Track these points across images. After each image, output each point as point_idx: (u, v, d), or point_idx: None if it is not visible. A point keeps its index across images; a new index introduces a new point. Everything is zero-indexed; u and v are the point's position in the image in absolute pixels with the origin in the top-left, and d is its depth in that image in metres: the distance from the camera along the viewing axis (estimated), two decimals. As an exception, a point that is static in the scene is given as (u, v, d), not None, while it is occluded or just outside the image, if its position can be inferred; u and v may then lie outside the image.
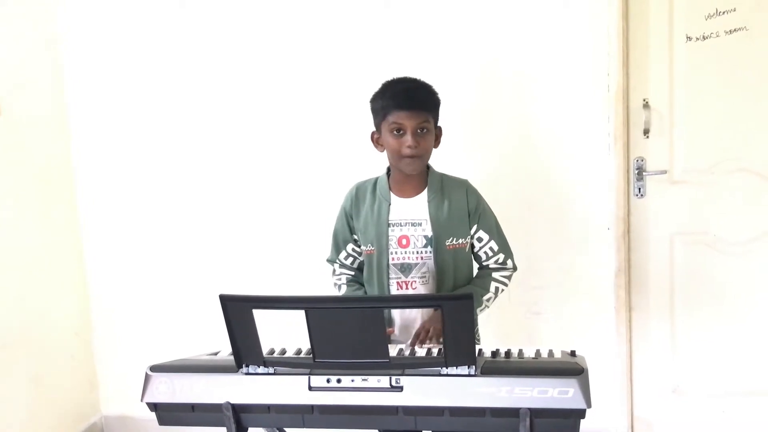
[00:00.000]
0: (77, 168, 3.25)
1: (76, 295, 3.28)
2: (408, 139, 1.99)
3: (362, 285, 2.23)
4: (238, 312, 1.56)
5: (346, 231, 2.21)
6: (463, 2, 2.81)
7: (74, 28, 3.18)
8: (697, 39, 2.69)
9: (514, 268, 2.21)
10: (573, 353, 1.68)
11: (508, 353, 1.69)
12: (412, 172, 2.08)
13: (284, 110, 3.02)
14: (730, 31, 2.66)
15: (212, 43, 3.06)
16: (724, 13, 2.65)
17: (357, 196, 2.19)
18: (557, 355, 1.68)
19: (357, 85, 2.84)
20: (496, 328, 2.71)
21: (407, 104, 2.00)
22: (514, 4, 2.77)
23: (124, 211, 3.24)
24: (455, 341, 1.51)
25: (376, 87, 2.12)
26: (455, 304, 1.51)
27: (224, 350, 1.85)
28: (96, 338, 3.35)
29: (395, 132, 2.02)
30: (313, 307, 1.52)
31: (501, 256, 2.17)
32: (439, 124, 2.12)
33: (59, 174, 3.19)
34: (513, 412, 1.49)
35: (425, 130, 2.02)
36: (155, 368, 1.69)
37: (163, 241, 3.22)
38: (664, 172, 2.78)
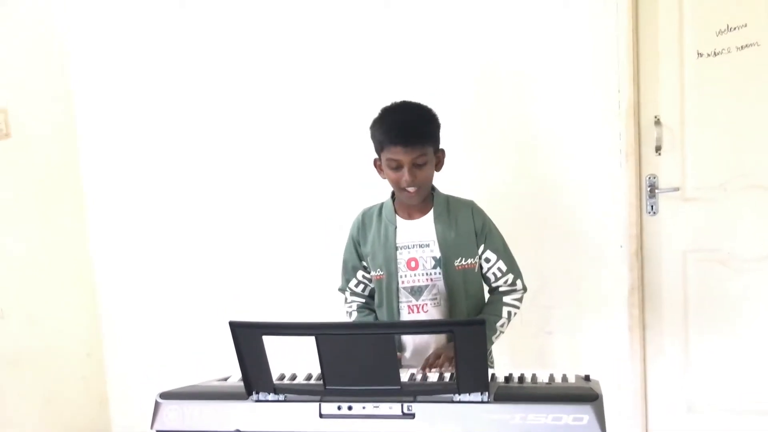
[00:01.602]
0: (87, 189, 3.27)
1: (88, 315, 3.29)
2: (405, 174, 1.97)
3: (373, 311, 2.22)
4: (248, 338, 1.54)
5: (355, 258, 2.20)
6: (466, 10, 2.83)
7: (80, 35, 3.24)
8: (708, 55, 2.68)
9: (525, 289, 2.19)
10: (587, 377, 1.65)
11: (521, 378, 1.67)
12: (413, 203, 2.08)
13: (289, 115, 3.05)
14: (742, 47, 2.64)
15: (215, 46, 3.09)
16: (735, 29, 2.64)
17: (363, 222, 2.18)
18: (571, 379, 1.65)
19: (357, 85, 2.92)
20: (508, 348, 2.69)
21: (402, 140, 1.96)
22: (523, 19, 2.77)
23: (134, 231, 3.26)
24: (468, 367, 1.49)
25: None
26: (467, 330, 1.48)
27: (234, 375, 1.83)
28: (107, 359, 3.35)
29: (393, 167, 2.00)
30: (323, 333, 1.50)
31: (510, 277, 2.15)
32: (441, 147, 2.09)
33: (69, 195, 3.23)
34: (527, 440, 1.46)
35: (423, 163, 1.99)
36: (165, 395, 1.68)
37: (175, 263, 3.23)
38: (677, 189, 2.76)
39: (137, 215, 3.25)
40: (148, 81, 3.18)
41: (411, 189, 2.00)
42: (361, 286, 2.23)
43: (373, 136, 2.07)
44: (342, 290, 2.28)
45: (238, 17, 3.04)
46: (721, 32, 2.66)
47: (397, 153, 1.96)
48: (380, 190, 2.19)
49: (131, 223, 3.26)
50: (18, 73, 2.97)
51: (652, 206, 2.79)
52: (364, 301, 2.24)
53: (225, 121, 3.12)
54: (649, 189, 2.78)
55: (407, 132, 1.97)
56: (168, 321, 3.26)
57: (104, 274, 3.32)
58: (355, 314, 2.23)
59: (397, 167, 1.99)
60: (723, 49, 2.66)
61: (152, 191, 3.22)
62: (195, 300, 3.22)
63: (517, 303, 2.16)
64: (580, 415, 1.45)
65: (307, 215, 3.07)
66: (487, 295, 2.21)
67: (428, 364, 1.95)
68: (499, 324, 2.10)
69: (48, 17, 3.14)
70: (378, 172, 2.11)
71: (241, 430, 1.59)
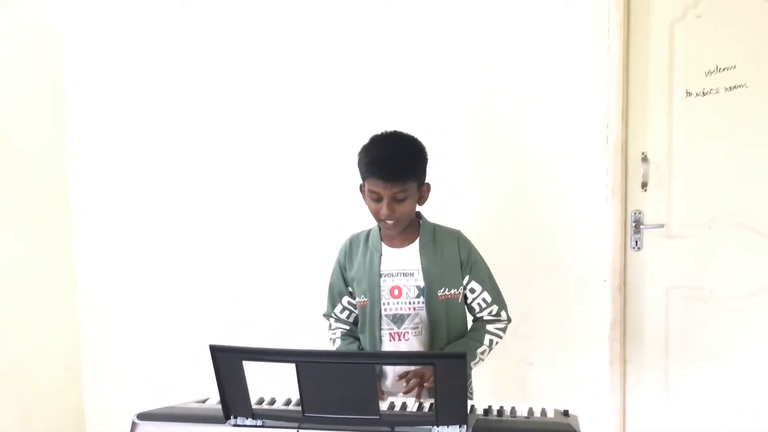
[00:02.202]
0: (73, 204, 3.26)
1: (68, 328, 3.27)
2: (383, 206, 1.97)
3: (357, 339, 2.22)
4: (228, 363, 1.54)
5: (341, 284, 2.20)
6: (461, 22, 2.85)
7: (72, 48, 3.23)
8: (697, 95, 2.70)
9: (509, 320, 2.19)
10: (566, 413, 1.65)
11: (500, 411, 1.67)
12: (391, 235, 2.08)
13: (287, 116, 3.05)
14: (730, 87, 2.66)
15: (213, 48, 3.10)
16: (724, 69, 2.66)
17: (351, 247, 2.18)
18: (550, 414, 1.65)
19: (356, 86, 2.94)
20: (489, 377, 2.69)
21: (383, 174, 1.96)
22: (515, 52, 2.80)
23: (118, 246, 3.25)
24: (447, 399, 1.49)
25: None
26: (448, 363, 1.49)
27: (213, 397, 1.83)
28: (85, 373, 3.32)
29: (374, 199, 2.00)
30: (303, 360, 1.50)
31: (495, 308, 2.15)
32: (426, 181, 2.09)
33: (55, 209, 3.22)
34: (504, 475, 1.46)
35: (403, 199, 1.99)
36: (142, 416, 1.66)
37: (156, 280, 3.22)
38: (662, 225, 2.78)
39: (121, 232, 3.24)
40: (138, 91, 3.18)
41: (389, 222, 2.00)
42: (346, 313, 2.23)
43: (358, 163, 2.06)
44: (327, 316, 2.27)
45: (236, 18, 3.06)
46: (710, 72, 2.68)
47: (378, 186, 1.97)
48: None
49: (115, 237, 3.25)
50: (8, 85, 2.96)
51: (636, 242, 2.80)
52: (348, 328, 2.24)
53: (221, 125, 3.12)
54: (634, 224, 2.80)
55: (389, 167, 1.96)
56: (147, 337, 3.25)
57: (86, 288, 3.30)
58: (338, 341, 2.22)
59: (378, 199, 1.99)
60: (711, 89, 2.69)
61: (138, 209, 3.22)
62: (176, 318, 3.22)
63: (500, 333, 2.16)
64: (558, 453, 1.45)
65: (304, 216, 3.07)
66: (470, 325, 2.21)
67: (406, 379, 1.95)
68: (479, 351, 2.10)
69: (41, 30, 3.14)
70: (362, 197, 2.11)
71: (218, 454, 1.58)
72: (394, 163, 1.97)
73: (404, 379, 1.97)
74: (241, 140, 3.10)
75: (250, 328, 3.10)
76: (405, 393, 1.92)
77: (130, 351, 3.27)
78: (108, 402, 3.29)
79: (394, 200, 1.97)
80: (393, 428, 1.52)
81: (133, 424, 1.65)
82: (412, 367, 2.00)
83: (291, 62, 3.01)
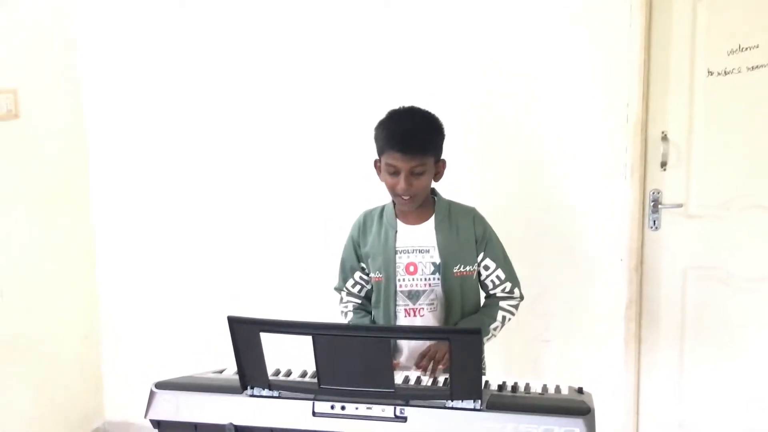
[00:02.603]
0: (93, 174, 3.29)
1: (86, 298, 3.31)
2: (401, 181, 1.97)
3: (369, 312, 2.23)
4: (246, 334, 1.56)
5: (354, 259, 2.21)
6: (470, 12, 2.84)
7: (89, 18, 3.25)
8: (719, 74, 2.68)
9: (521, 297, 2.20)
10: (580, 390, 1.66)
11: (514, 387, 1.68)
12: (407, 210, 2.08)
13: (289, 115, 3.07)
14: (752, 67, 2.64)
15: (213, 47, 3.12)
16: (746, 49, 2.64)
17: (365, 224, 2.18)
18: (564, 391, 1.66)
19: (357, 85, 2.94)
20: (503, 354, 2.71)
21: (402, 147, 1.95)
22: (536, 30, 2.78)
23: (136, 218, 3.28)
24: (461, 374, 1.50)
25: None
26: (463, 338, 1.50)
27: (230, 368, 1.85)
28: (104, 342, 3.38)
29: (390, 172, 2.00)
30: (320, 333, 1.51)
31: (508, 285, 2.16)
32: (443, 158, 2.08)
33: (75, 180, 3.24)
34: (517, 449, 1.47)
35: (420, 173, 1.98)
36: (160, 385, 1.69)
37: (175, 251, 3.26)
38: (680, 205, 2.77)
39: (141, 205, 3.27)
40: (156, 73, 3.21)
41: (405, 197, 2.00)
42: (358, 287, 2.24)
43: (376, 137, 2.06)
44: (338, 289, 2.28)
45: (239, 18, 3.07)
46: (732, 52, 2.66)
47: (396, 159, 1.96)
48: (380, 190, 2.17)
49: (135, 211, 3.29)
50: (28, 54, 2.97)
51: (654, 221, 2.80)
52: (360, 302, 2.25)
53: (227, 120, 3.15)
54: (652, 204, 2.79)
55: (408, 140, 1.96)
56: (166, 308, 3.29)
57: (105, 259, 3.35)
58: (350, 314, 2.24)
59: (395, 173, 1.99)
60: (733, 69, 2.66)
61: (157, 183, 3.25)
62: (194, 289, 3.25)
63: (512, 309, 2.17)
64: (572, 428, 1.46)
65: (307, 214, 3.09)
66: (483, 301, 2.22)
67: (421, 365, 1.96)
68: (492, 326, 2.11)
69: (60, 16, 3.15)
70: (377, 173, 2.10)
71: (235, 423, 1.60)
72: (414, 137, 1.97)
73: (421, 361, 1.97)
74: (248, 138, 3.13)
75: (265, 300, 3.14)
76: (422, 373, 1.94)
77: (147, 320, 3.31)
78: (126, 370, 3.35)
79: (412, 174, 1.97)
80: (408, 401, 1.53)
81: (152, 393, 1.68)
82: (428, 343, 2.02)
83: (291, 62, 3.02)
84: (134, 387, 3.30)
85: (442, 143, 2.07)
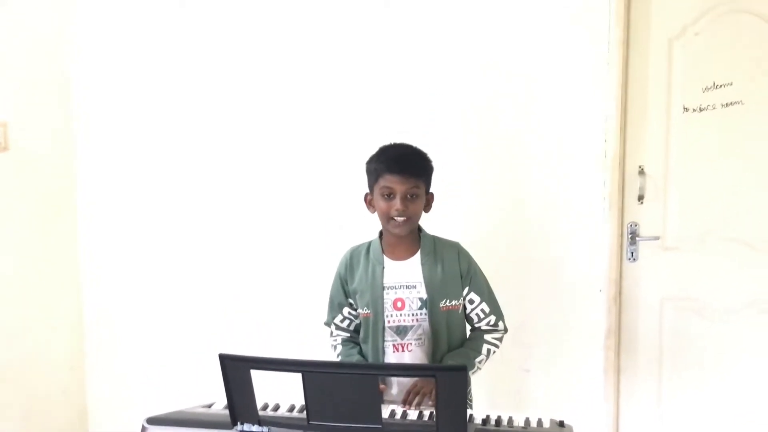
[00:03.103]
0: (80, 206, 3.31)
1: (72, 330, 3.32)
2: (397, 202, 2.04)
3: (357, 344, 2.27)
4: (237, 371, 1.59)
5: (342, 296, 2.25)
6: (460, 25, 2.90)
7: (80, 48, 3.28)
8: (694, 110, 2.76)
9: (505, 330, 2.25)
10: (562, 423, 1.71)
11: (498, 421, 1.72)
12: (399, 234, 2.12)
13: (285, 115, 3.10)
14: (727, 104, 2.72)
15: (214, 47, 3.15)
16: (721, 86, 2.72)
17: (351, 260, 2.23)
18: (546, 424, 1.71)
19: (355, 86, 2.99)
20: (488, 385, 2.74)
21: (398, 169, 2.05)
22: (517, 70, 2.85)
23: (122, 246, 3.30)
24: (447, 410, 1.54)
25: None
26: (450, 375, 1.54)
27: (218, 402, 1.88)
28: (89, 372, 3.38)
29: (386, 195, 2.07)
30: (310, 371, 1.55)
31: (492, 318, 2.21)
32: (431, 191, 2.16)
33: (63, 211, 3.26)
34: (501, 485, 1.52)
35: (415, 196, 2.07)
36: (152, 420, 1.72)
37: (159, 281, 3.27)
38: (657, 238, 2.84)
39: (126, 233, 3.29)
40: (143, 91, 3.24)
41: (400, 219, 2.06)
42: (347, 322, 2.28)
43: (368, 170, 2.14)
44: (328, 324, 2.32)
45: (237, 18, 3.10)
46: (707, 89, 2.74)
47: (393, 182, 2.05)
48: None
49: (120, 238, 3.31)
50: (18, 85, 3.01)
51: (632, 253, 2.86)
52: (348, 335, 2.29)
53: (222, 125, 3.17)
54: (630, 236, 2.86)
55: (405, 163, 2.07)
56: (150, 338, 3.30)
57: (91, 290, 3.36)
58: (339, 347, 2.27)
59: (390, 195, 2.06)
60: (708, 106, 2.75)
61: (143, 210, 3.27)
62: (178, 318, 3.27)
63: (497, 342, 2.22)
64: (554, 462, 1.51)
65: (304, 216, 3.12)
66: (468, 334, 2.27)
67: (409, 400, 2.00)
68: (477, 360, 2.16)
69: (49, 31, 3.19)
70: (367, 207, 2.17)
71: (225, 458, 1.64)
72: (409, 161, 2.09)
73: (408, 397, 2.01)
74: (243, 140, 3.16)
75: (252, 329, 3.14)
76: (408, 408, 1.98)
77: (133, 352, 3.32)
78: (111, 402, 3.35)
79: (407, 197, 2.05)
80: (395, 437, 1.58)
81: (143, 429, 1.70)
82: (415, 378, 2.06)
83: (290, 63, 3.06)
84: (119, 419, 3.32)
85: (431, 175, 2.16)
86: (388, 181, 2.06)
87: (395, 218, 2.06)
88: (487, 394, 2.72)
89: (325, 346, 2.34)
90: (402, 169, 2.05)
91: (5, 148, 2.90)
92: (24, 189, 3.05)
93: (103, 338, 3.36)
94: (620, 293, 2.89)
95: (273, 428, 1.64)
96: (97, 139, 3.29)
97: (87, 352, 3.38)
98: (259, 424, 1.64)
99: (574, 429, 1.68)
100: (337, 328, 2.29)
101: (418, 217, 2.13)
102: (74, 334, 3.33)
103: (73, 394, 3.32)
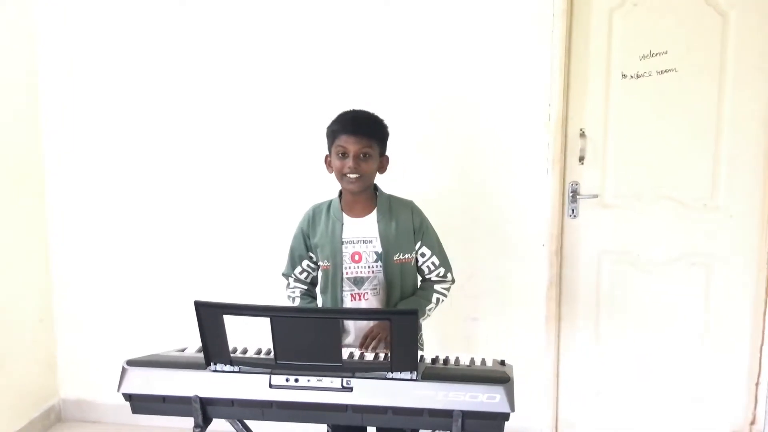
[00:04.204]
0: (47, 160, 3.35)
1: (41, 282, 3.38)
2: (350, 161, 2.20)
3: (314, 298, 2.45)
4: (210, 316, 1.75)
5: (303, 249, 2.40)
6: (421, 30, 3.02)
7: (52, 24, 3.27)
8: (632, 77, 2.95)
9: (453, 281, 2.44)
10: (503, 362, 1.91)
11: (446, 360, 1.92)
12: (353, 191, 2.28)
13: (272, 114, 3.18)
14: (662, 71, 2.92)
15: (207, 44, 3.18)
16: (657, 54, 2.91)
17: (313, 217, 2.38)
18: (489, 363, 1.90)
19: (330, 85, 3.07)
20: (439, 332, 2.91)
21: (352, 130, 2.22)
22: (468, 45, 2.99)
23: (91, 201, 3.36)
24: (400, 349, 1.73)
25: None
26: (402, 318, 1.73)
27: (191, 346, 2.04)
28: (58, 323, 3.45)
29: (340, 154, 2.23)
30: (277, 315, 1.72)
31: (441, 270, 2.40)
32: (386, 154, 2.33)
33: (27, 165, 3.28)
34: (447, 414, 1.72)
35: (367, 155, 2.23)
36: (131, 362, 1.87)
37: (129, 234, 3.35)
38: (596, 196, 3.04)
39: (92, 185, 3.33)
40: (111, 71, 3.26)
41: (352, 176, 2.22)
42: (305, 274, 2.43)
43: (327, 133, 2.30)
44: (286, 275, 2.46)
45: (232, 16, 3.14)
46: (644, 57, 2.93)
47: (347, 141, 2.21)
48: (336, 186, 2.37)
49: (87, 193, 3.35)
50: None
51: (573, 210, 3.06)
52: (306, 287, 2.45)
53: (193, 112, 3.23)
54: (571, 194, 3.05)
55: (358, 124, 2.24)
56: (119, 291, 3.39)
57: (58, 243, 3.41)
58: (298, 300, 2.43)
59: (344, 155, 2.22)
60: (645, 72, 2.94)
61: (107, 164, 3.31)
62: (147, 273, 3.36)
63: (445, 292, 2.41)
64: (493, 395, 1.71)
65: (261, 204, 3.23)
66: (419, 285, 2.45)
67: (366, 344, 2.18)
68: (428, 308, 2.36)
69: (21, 10, 3.20)
70: (327, 168, 2.33)
71: (200, 395, 1.80)
72: (362, 122, 2.26)
73: (366, 341, 2.19)
74: (218, 124, 3.22)
75: (221, 280, 3.27)
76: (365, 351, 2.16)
77: (102, 301, 3.40)
78: (80, 355, 3.44)
79: (360, 157, 2.21)
80: (353, 374, 1.75)
81: (123, 369, 1.86)
82: (371, 324, 2.25)
83: (287, 63, 3.13)
84: (88, 365, 3.41)
85: (386, 139, 2.33)
86: (343, 141, 2.22)
87: (348, 175, 2.22)
88: (438, 341, 2.91)
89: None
90: (355, 130, 2.22)
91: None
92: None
93: (71, 289, 3.43)
94: (561, 247, 3.09)
95: (243, 367, 1.81)
96: (64, 111, 3.30)
97: (55, 303, 3.44)
98: (231, 364, 1.80)
99: (514, 368, 1.87)
100: (296, 279, 2.44)
101: (371, 176, 2.29)
102: (43, 287, 3.39)
103: (42, 346, 3.40)
